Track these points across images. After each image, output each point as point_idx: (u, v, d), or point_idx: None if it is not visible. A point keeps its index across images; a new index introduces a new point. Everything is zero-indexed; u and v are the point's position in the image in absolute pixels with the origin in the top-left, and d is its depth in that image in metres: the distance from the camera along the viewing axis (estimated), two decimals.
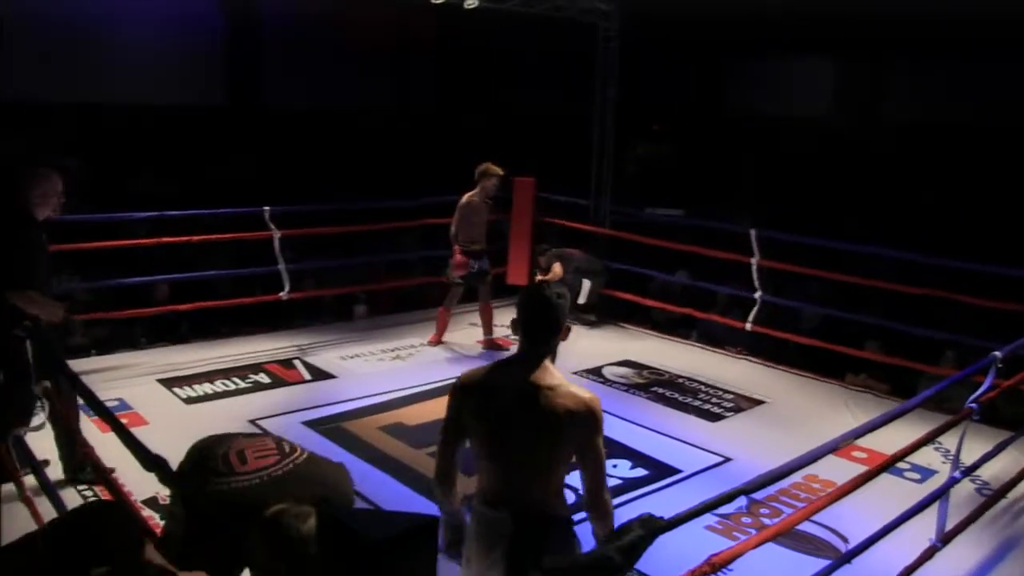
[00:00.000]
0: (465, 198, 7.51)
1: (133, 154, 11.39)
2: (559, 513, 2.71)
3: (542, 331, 2.73)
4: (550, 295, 2.74)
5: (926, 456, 5.47)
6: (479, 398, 2.71)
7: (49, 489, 3.73)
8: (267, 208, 7.48)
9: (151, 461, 2.75)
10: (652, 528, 2.21)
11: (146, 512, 4.38)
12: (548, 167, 9.08)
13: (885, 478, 5.06)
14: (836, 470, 4.83)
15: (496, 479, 2.71)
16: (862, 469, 3.71)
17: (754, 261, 7.56)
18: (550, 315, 2.73)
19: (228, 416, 5.79)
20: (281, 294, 7.63)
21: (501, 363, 2.80)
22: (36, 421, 4.38)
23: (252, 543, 2.45)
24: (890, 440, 4.20)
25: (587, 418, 2.61)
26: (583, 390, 2.67)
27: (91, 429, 5.19)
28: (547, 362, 2.73)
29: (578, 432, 2.61)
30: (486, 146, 13.90)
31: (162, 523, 3.47)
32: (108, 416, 3.03)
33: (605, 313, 8.84)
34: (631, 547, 2.16)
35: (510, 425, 2.65)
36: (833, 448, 3.33)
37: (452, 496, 2.86)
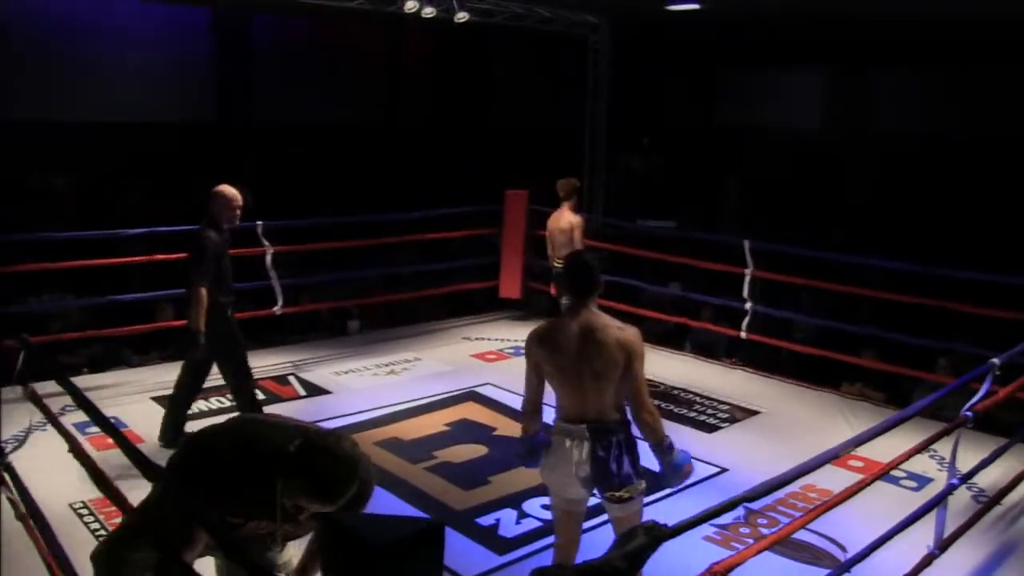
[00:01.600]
0: (577, 218, 7.47)
1: (123, 172, 11.38)
2: (619, 419, 3.50)
3: (587, 287, 3.56)
4: (589, 260, 3.62)
5: (921, 464, 5.49)
6: (551, 344, 3.49)
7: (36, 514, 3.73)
8: (260, 223, 7.45)
9: (154, 471, 2.76)
10: (656, 535, 2.23)
11: None
12: (541, 180, 9.12)
13: (882, 486, 5.10)
14: (833, 479, 4.85)
15: (571, 402, 3.49)
16: (859, 478, 3.73)
17: (747, 272, 7.59)
18: (592, 274, 3.57)
19: None
20: (274, 309, 7.60)
21: (561, 316, 3.60)
22: (16, 431, 4.39)
23: (272, 486, 2.56)
24: (886, 449, 4.21)
25: (631, 346, 3.45)
26: (626, 327, 3.51)
27: (87, 447, 5.18)
28: (594, 308, 3.54)
29: (626, 357, 3.42)
30: (478, 160, 14.03)
31: None
32: (109, 428, 3.05)
33: None
34: (635, 554, 2.17)
35: (578, 359, 3.44)
36: (834, 456, 3.34)
37: (535, 423, 3.63)
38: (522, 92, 14.92)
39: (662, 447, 3.52)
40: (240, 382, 5.65)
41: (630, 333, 3.48)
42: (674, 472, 3.57)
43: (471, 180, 13.13)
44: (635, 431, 3.54)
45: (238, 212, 5.48)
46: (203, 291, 5.27)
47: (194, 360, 5.56)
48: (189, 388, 5.64)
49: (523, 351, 3.65)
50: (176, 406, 5.62)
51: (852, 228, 12.06)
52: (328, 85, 13.50)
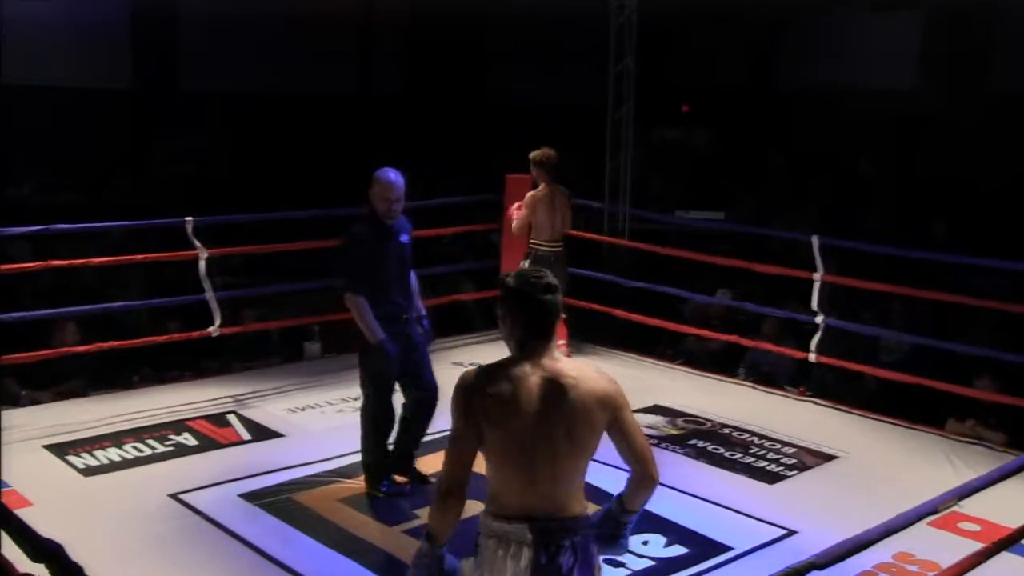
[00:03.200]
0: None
1: (10, 150, 11.26)
2: (579, 513, 3.19)
3: (546, 321, 3.20)
4: (543, 293, 3.19)
5: None
6: (503, 398, 3.11)
7: None
8: (190, 219, 7.41)
9: (40, 550, 2.65)
10: None
11: None
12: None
13: (1009, 560, 4.92)
14: (938, 546, 4.79)
15: (516, 488, 3.14)
16: (976, 547, 3.62)
17: (817, 277, 7.54)
18: (549, 311, 3.20)
19: (142, 491, 5.70)
20: (210, 329, 7.56)
21: (510, 360, 3.20)
22: None
23: None
24: (1010, 507, 4.13)
25: (614, 398, 3.17)
26: (600, 371, 3.23)
27: None
28: (556, 351, 3.22)
29: (610, 415, 3.16)
30: (470, 139, 13.99)
31: None
32: None
33: (623, 345, 8.80)
34: None
35: (541, 425, 3.09)
36: (930, 511, 3.26)
37: (452, 520, 3.19)
38: (525, 49, 14.87)
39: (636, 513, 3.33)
40: (368, 413, 5.84)
41: (608, 380, 3.22)
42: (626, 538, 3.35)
43: (464, 163, 13.09)
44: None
45: (393, 204, 5.64)
46: (356, 298, 5.59)
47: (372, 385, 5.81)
48: (378, 417, 5.80)
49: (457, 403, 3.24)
50: (364, 439, 5.82)
51: (959, 218, 11.92)
52: (274, 43, 13.45)
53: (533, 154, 7.96)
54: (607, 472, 4.34)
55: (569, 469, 3.15)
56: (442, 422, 6.63)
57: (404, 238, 5.79)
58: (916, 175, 13.46)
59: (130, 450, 6.34)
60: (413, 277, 5.98)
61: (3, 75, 10.91)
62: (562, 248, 8.02)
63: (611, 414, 3.16)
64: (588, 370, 3.22)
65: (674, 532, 5.36)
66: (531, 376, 3.13)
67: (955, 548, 4.28)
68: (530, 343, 3.18)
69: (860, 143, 13.96)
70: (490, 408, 3.12)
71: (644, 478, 3.23)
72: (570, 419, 3.10)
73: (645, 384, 7.95)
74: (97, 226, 7.59)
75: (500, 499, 3.17)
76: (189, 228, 7.42)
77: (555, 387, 3.11)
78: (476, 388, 3.16)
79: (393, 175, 5.65)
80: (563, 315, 3.31)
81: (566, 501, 3.15)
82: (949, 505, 3.34)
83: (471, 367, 3.25)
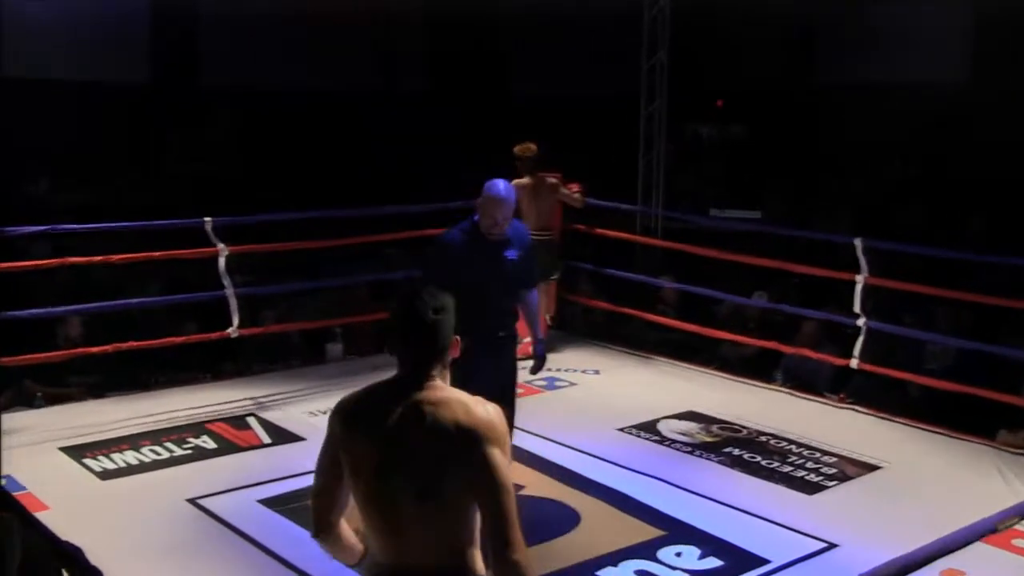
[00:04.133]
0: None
1: (26, 146, 11.30)
2: (466, 569, 2.78)
3: (424, 352, 2.85)
4: (425, 313, 2.84)
5: None
6: (359, 427, 2.80)
7: None
8: (209, 219, 7.44)
9: (60, 551, 2.65)
10: None
11: None
12: (578, 162, 9.04)
13: None
14: (991, 566, 4.62)
15: (380, 536, 2.79)
16: None
17: (859, 279, 7.48)
18: (431, 334, 2.85)
19: (159, 495, 5.72)
20: (229, 330, 7.59)
21: (383, 384, 2.90)
22: None
23: None
24: None
25: (481, 428, 2.71)
26: (483, 403, 2.79)
27: None
28: (437, 380, 2.85)
29: (472, 449, 2.68)
30: (492, 136, 13.93)
31: None
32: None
33: (655, 349, 8.76)
34: None
35: (389, 458, 2.73)
36: (990, 531, 3.19)
37: (341, 548, 2.94)
38: (551, 42, 14.82)
39: None
40: None
41: (480, 411, 2.76)
42: None
43: (486, 161, 13.04)
44: None
45: (497, 221, 5.25)
46: None
47: None
48: None
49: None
50: None
51: (1003, 218, 11.78)
52: (299, 39, 13.46)
53: (515, 148, 8.51)
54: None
55: (438, 516, 2.74)
56: None
57: (511, 254, 5.33)
58: (956, 175, 13.33)
59: (148, 453, 6.37)
60: (534, 296, 5.64)
61: (22, 71, 11.03)
62: (550, 236, 8.50)
63: (474, 451, 2.69)
64: (464, 398, 2.81)
65: (709, 544, 5.31)
66: (394, 402, 2.79)
67: (1009, 567, 4.20)
68: (407, 366, 2.87)
69: (900, 140, 13.86)
70: (347, 434, 2.82)
71: (495, 561, 2.67)
72: (425, 448, 2.72)
73: (678, 390, 7.95)
74: (116, 226, 7.61)
75: (372, 550, 2.87)
76: (208, 227, 7.45)
77: (414, 415, 2.75)
78: (340, 411, 2.88)
79: (503, 190, 5.24)
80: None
81: (442, 556, 2.76)
82: (1010, 523, 3.26)
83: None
